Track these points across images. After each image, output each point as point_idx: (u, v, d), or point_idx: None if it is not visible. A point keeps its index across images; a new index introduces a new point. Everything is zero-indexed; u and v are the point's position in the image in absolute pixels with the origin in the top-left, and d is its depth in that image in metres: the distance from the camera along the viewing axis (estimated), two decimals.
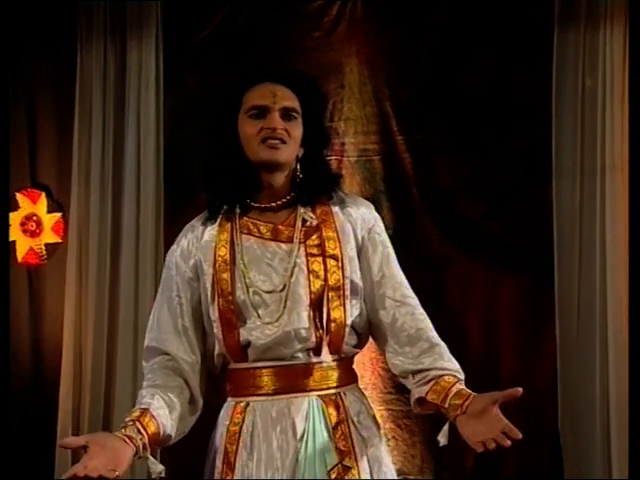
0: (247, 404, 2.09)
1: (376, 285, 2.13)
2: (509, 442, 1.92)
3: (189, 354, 2.13)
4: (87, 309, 3.93)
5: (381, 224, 2.21)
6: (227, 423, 2.10)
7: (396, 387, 3.75)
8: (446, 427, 2.02)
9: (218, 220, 2.15)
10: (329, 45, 3.94)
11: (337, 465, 2.03)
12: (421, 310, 2.16)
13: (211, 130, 2.17)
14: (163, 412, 2.05)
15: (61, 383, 3.91)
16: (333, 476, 2.03)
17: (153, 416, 2.02)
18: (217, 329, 2.09)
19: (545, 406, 3.79)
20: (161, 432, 2.02)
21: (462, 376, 2.11)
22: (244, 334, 2.07)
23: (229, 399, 2.15)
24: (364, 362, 3.67)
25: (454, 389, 2.04)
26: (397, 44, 3.92)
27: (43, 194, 4.07)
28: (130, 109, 3.96)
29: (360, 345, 2.17)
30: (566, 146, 3.78)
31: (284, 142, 2.11)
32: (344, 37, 3.94)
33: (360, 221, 2.16)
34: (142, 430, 1.99)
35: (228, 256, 2.09)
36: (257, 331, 2.06)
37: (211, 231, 2.15)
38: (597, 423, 3.70)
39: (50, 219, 4.09)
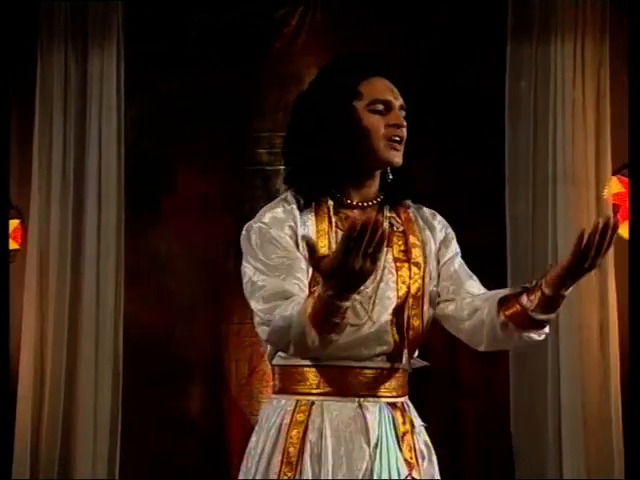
0: (312, 403, 2.01)
1: (448, 277, 2.10)
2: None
3: None
4: (47, 316, 3.94)
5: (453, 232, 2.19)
6: (287, 422, 2.01)
7: None
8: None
9: (313, 209, 2.05)
10: (289, 56, 4.01)
11: (407, 477, 1.98)
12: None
13: (322, 117, 2.04)
14: None
15: (19, 391, 3.90)
16: None
17: None
18: None
19: (501, 407, 3.89)
20: None
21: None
22: None
23: (282, 396, 2.05)
24: None
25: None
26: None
27: None
28: (91, 116, 3.98)
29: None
30: (519, 155, 3.89)
31: (403, 143, 2.06)
32: (304, 47, 4.01)
33: (437, 231, 2.14)
34: None
35: (327, 248, 2.00)
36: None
37: (311, 218, 2.04)
38: (549, 425, 3.79)
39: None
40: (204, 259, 4.07)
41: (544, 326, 1.98)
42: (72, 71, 4.00)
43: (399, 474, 1.98)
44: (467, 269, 2.15)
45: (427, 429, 2.09)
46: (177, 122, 4.03)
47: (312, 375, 2.02)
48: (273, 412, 2.05)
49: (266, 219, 2.04)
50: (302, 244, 2.00)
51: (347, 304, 1.82)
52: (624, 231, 3.86)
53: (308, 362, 2.02)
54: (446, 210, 3.91)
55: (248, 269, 2.02)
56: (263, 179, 4.06)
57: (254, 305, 1.99)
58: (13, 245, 4.06)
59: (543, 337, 2.02)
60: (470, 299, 2.07)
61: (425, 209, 2.18)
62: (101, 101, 3.98)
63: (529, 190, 3.87)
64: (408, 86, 3.93)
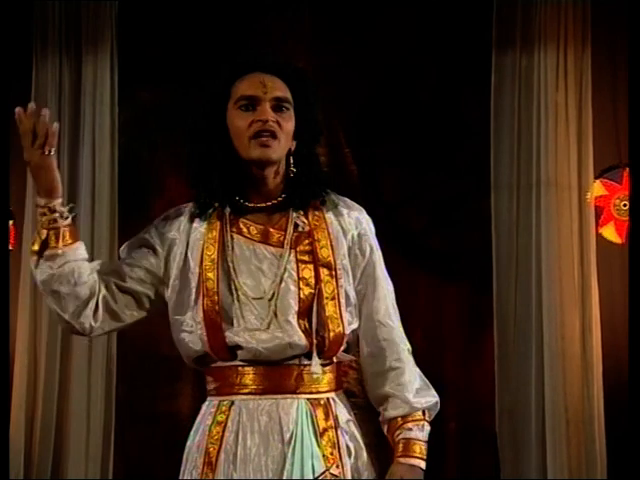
0: (232, 403, 2.03)
1: (358, 295, 2.10)
2: None
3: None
4: (41, 316, 3.98)
5: (372, 227, 2.14)
6: (209, 423, 2.04)
7: None
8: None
9: (207, 217, 2.06)
10: None
11: (325, 472, 1.98)
12: (389, 329, 2.11)
13: (199, 123, 2.06)
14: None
15: (13, 390, 3.94)
16: None
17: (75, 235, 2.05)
18: (201, 330, 2.03)
19: (485, 408, 3.95)
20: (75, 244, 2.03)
21: (405, 407, 2.07)
22: (230, 336, 2.01)
23: (210, 398, 2.08)
24: None
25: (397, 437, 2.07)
26: (342, 61, 4.05)
27: None
28: (85, 122, 4.02)
29: (350, 351, 2.13)
30: (503, 162, 3.96)
31: (275, 137, 2.00)
32: (292, 54, 4.04)
33: (352, 227, 2.10)
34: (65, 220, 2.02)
35: (216, 255, 2.02)
36: (246, 335, 2.00)
37: (199, 228, 2.06)
38: (532, 427, 3.85)
39: None
40: None
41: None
42: (66, 76, 4.04)
43: (314, 470, 1.97)
44: (380, 280, 2.11)
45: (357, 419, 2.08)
46: (165, 126, 4.05)
47: (233, 376, 2.03)
48: (202, 414, 2.08)
49: (156, 229, 2.12)
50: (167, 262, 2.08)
51: (42, 210, 1.98)
52: (607, 233, 3.94)
53: (229, 364, 2.03)
54: (432, 216, 4.02)
55: None
56: None
57: None
58: None
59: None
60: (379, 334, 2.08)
61: (342, 203, 2.13)
62: (94, 108, 4.02)
63: (514, 195, 3.94)
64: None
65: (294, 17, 4.11)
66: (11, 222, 4.09)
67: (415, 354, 2.16)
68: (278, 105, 2.03)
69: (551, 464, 3.81)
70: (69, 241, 2.03)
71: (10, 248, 4.07)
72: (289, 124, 2.03)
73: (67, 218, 2.02)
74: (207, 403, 2.09)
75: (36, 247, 2.01)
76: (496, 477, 3.91)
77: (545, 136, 3.90)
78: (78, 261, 2.05)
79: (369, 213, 2.18)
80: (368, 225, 2.14)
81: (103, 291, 2.07)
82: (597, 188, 3.94)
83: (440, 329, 4.02)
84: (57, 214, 2.00)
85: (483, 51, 3.95)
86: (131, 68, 4.07)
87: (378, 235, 2.17)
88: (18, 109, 1.96)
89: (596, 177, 3.94)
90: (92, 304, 2.06)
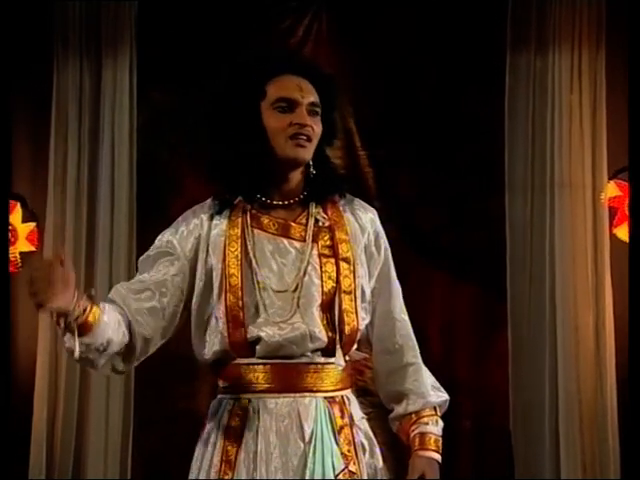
0: (249, 401, 2.03)
1: (374, 292, 2.13)
2: None
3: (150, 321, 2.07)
4: None
5: (383, 231, 2.19)
6: (225, 421, 2.04)
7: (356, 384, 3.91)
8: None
9: (227, 214, 2.09)
10: None
11: (344, 469, 2.00)
12: (405, 325, 2.16)
13: (229, 119, 2.07)
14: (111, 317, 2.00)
15: (35, 391, 3.98)
16: None
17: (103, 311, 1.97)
18: (222, 326, 2.04)
19: (499, 407, 3.97)
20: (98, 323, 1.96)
21: (421, 402, 2.13)
22: (253, 331, 2.02)
23: (225, 396, 2.09)
24: None
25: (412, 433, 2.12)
26: (359, 63, 4.08)
27: (18, 204, 4.12)
28: (105, 123, 4.07)
29: (359, 350, 2.16)
30: (518, 163, 3.99)
31: (310, 140, 2.05)
32: (310, 57, 4.08)
33: (369, 226, 2.14)
34: (88, 311, 1.93)
35: (239, 251, 2.04)
36: (268, 328, 2.01)
37: (220, 225, 2.08)
38: (546, 425, 3.87)
39: (24, 228, 4.13)
40: None
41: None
42: (86, 78, 4.09)
43: (334, 468, 1.99)
44: (394, 278, 2.16)
45: (368, 420, 2.12)
46: (181, 126, 4.07)
47: (250, 374, 2.04)
48: (215, 412, 2.09)
49: (176, 234, 2.10)
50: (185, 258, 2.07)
51: (57, 325, 1.91)
52: (622, 233, 3.96)
53: (247, 361, 2.04)
54: (440, 215, 4.05)
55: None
56: None
57: None
58: (29, 247, 4.13)
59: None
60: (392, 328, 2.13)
61: (357, 203, 2.17)
62: (114, 109, 4.07)
63: (528, 196, 3.96)
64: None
65: (313, 19, 4.13)
66: (34, 224, 4.15)
67: (429, 352, 2.20)
68: (312, 110, 2.07)
69: (564, 462, 3.83)
70: (94, 325, 1.96)
71: (34, 249, 4.14)
72: (319, 128, 2.08)
73: (88, 310, 1.95)
74: (221, 401, 2.10)
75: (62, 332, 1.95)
76: (510, 475, 3.92)
77: (559, 137, 3.92)
78: (105, 333, 1.99)
79: (384, 213, 2.23)
80: (381, 228, 2.19)
81: (136, 329, 2.06)
82: (611, 189, 3.96)
83: (454, 327, 4.05)
84: (76, 314, 1.93)
85: (489, 50, 3.98)
86: (145, 69, 4.10)
87: (389, 234, 2.21)
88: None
89: (610, 178, 3.95)
90: (122, 351, 2.05)
